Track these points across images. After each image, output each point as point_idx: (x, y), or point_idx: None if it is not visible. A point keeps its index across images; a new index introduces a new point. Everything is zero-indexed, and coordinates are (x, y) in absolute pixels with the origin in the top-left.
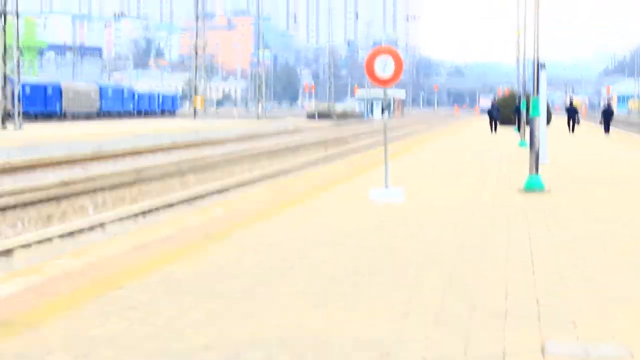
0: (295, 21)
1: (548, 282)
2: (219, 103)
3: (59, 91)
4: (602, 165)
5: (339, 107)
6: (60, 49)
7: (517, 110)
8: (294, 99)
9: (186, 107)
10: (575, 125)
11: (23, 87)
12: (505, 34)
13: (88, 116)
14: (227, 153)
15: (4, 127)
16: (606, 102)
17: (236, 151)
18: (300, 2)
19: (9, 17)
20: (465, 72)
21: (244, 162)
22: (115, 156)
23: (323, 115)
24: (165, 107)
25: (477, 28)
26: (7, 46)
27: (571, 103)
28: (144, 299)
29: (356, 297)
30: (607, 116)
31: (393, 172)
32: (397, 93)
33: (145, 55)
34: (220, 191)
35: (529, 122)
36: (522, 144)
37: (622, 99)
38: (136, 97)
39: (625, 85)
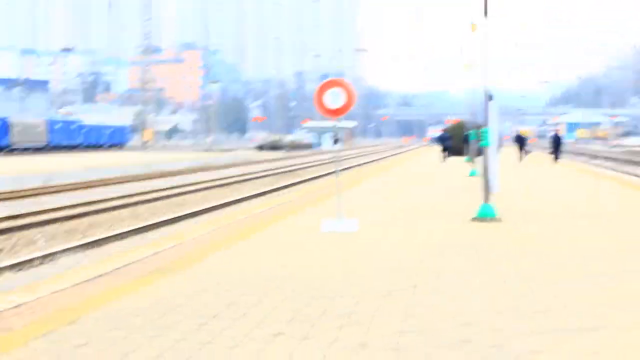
0: (243, 54)
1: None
2: (168, 135)
3: (6, 125)
4: (552, 194)
5: (289, 138)
6: (7, 84)
7: (466, 140)
8: (243, 131)
9: (135, 139)
10: (525, 154)
11: None
12: (452, 63)
13: (36, 150)
14: (176, 185)
15: None
16: (554, 130)
17: (186, 183)
18: (249, 35)
19: None
20: (413, 101)
21: (194, 193)
22: (65, 189)
23: (273, 147)
24: (114, 140)
25: (424, 57)
26: None
27: (519, 133)
28: (94, 334)
29: (313, 328)
30: (557, 144)
31: (345, 204)
32: (347, 124)
33: (93, 89)
34: (170, 222)
35: (479, 151)
36: (472, 173)
37: (570, 128)
38: (85, 130)
39: (572, 115)
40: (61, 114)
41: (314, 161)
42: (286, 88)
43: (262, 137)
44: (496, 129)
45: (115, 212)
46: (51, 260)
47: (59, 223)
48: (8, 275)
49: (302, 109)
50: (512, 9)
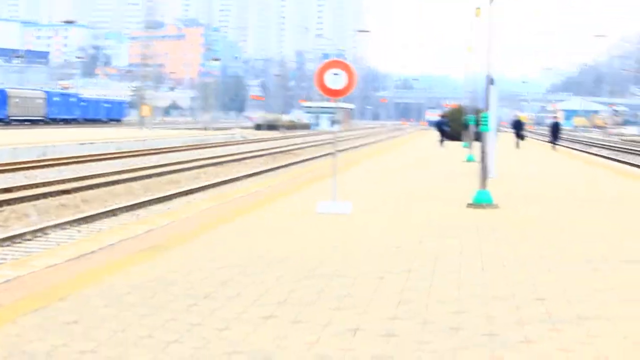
0: (245, 33)
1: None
2: (167, 112)
3: (4, 97)
4: (550, 179)
5: (287, 118)
6: (7, 55)
7: (466, 125)
8: (241, 109)
9: (133, 115)
10: (521, 141)
11: None
12: (454, 48)
13: (34, 122)
14: (171, 162)
15: None
16: (553, 117)
17: (181, 160)
18: (251, 14)
19: None
20: (413, 84)
21: (189, 171)
22: (59, 162)
23: (271, 126)
24: (112, 115)
25: (426, 41)
26: None
27: (518, 119)
28: (85, 311)
29: (304, 312)
30: (555, 131)
31: (341, 185)
32: (345, 105)
33: (93, 63)
34: (163, 199)
35: (477, 136)
36: (470, 158)
37: (568, 116)
38: (83, 104)
39: (571, 103)
40: (60, 86)
41: (312, 141)
42: (286, 67)
43: (260, 115)
44: (494, 114)
45: (109, 188)
46: (43, 235)
47: (52, 197)
48: None
49: (300, 89)
50: None
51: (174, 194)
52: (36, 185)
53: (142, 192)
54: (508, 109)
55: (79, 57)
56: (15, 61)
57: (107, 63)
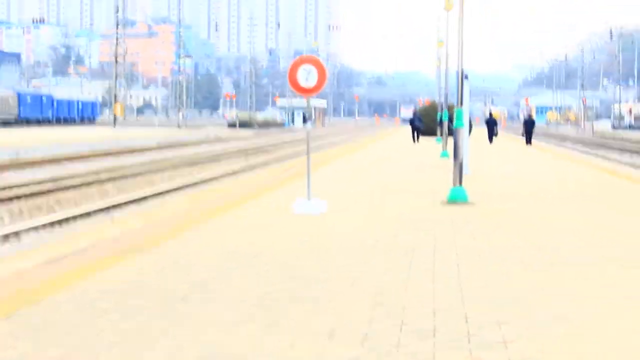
0: (216, 29)
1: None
2: (140, 111)
3: None
4: (524, 176)
5: (261, 116)
6: None
7: (440, 121)
8: (214, 107)
9: (106, 114)
10: (494, 136)
11: None
12: (425, 43)
13: (6, 123)
14: (146, 162)
15: None
16: (527, 112)
17: (156, 160)
18: (222, 11)
19: None
20: (386, 81)
21: (163, 171)
22: (32, 164)
23: (244, 125)
24: (84, 114)
25: (398, 37)
26: None
27: (490, 114)
28: (56, 318)
29: (280, 314)
30: (529, 126)
31: (315, 184)
32: (318, 102)
33: (64, 62)
34: (138, 200)
35: (450, 132)
36: (444, 154)
37: (541, 111)
38: (55, 104)
39: (543, 97)
40: (34, 86)
41: (286, 140)
42: (259, 65)
43: (234, 114)
44: (468, 109)
45: (83, 189)
46: (15, 238)
47: (25, 199)
48: None
49: (274, 87)
50: None
51: (148, 195)
52: (9, 187)
53: (117, 193)
54: (481, 104)
55: (51, 56)
56: None
57: (78, 62)
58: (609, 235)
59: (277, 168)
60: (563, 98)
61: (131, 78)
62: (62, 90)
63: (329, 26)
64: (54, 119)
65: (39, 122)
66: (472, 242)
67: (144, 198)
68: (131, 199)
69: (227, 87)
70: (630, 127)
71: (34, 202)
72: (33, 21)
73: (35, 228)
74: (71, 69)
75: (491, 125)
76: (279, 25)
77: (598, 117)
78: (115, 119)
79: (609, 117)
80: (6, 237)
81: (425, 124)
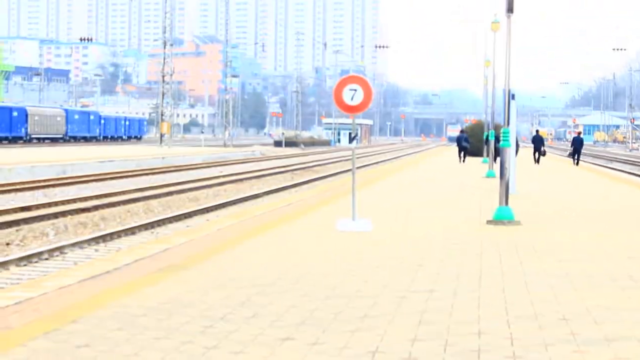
0: (263, 50)
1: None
2: (186, 129)
3: (24, 115)
4: (572, 196)
5: (307, 135)
6: (27, 73)
7: (486, 140)
8: (261, 126)
9: (153, 132)
10: (541, 156)
11: None
12: (472, 61)
13: (54, 140)
14: (192, 180)
15: None
16: (575, 131)
17: (201, 177)
18: (269, 30)
19: None
20: (433, 100)
21: (210, 188)
22: (79, 181)
23: (290, 143)
24: (131, 132)
25: (445, 56)
26: None
27: (537, 132)
28: (98, 334)
29: (323, 333)
30: (577, 145)
31: (360, 202)
32: (364, 121)
33: (112, 80)
34: (182, 217)
35: (497, 152)
36: (490, 174)
37: (588, 130)
38: (102, 121)
39: (591, 117)
40: (81, 104)
41: (332, 158)
42: (305, 84)
43: (280, 132)
44: (514, 129)
45: (128, 206)
46: (60, 254)
47: (71, 216)
48: (14, 269)
49: (320, 106)
50: (537, 7)
51: (193, 212)
52: (55, 204)
53: (161, 210)
54: (528, 124)
55: (97, 75)
56: (35, 79)
57: (126, 80)
58: None
59: (322, 186)
60: (610, 118)
61: (178, 96)
62: (109, 108)
63: (376, 45)
64: (101, 137)
65: (86, 139)
66: (518, 262)
67: (188, 215)
68: (175, 215)
69: (273, 106)
70: None
71: (80, 219)
72: (81, 40)
73: (80, 244)
74: (119, 88)
75: (538, 144)
76: (325, 45)
77: None
78: (161, 136)
79: None
80: (51, 252)
81: (471, 144)
